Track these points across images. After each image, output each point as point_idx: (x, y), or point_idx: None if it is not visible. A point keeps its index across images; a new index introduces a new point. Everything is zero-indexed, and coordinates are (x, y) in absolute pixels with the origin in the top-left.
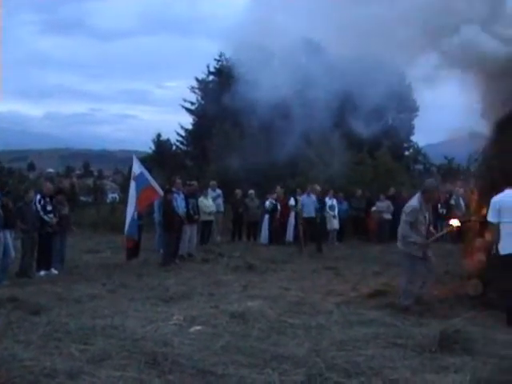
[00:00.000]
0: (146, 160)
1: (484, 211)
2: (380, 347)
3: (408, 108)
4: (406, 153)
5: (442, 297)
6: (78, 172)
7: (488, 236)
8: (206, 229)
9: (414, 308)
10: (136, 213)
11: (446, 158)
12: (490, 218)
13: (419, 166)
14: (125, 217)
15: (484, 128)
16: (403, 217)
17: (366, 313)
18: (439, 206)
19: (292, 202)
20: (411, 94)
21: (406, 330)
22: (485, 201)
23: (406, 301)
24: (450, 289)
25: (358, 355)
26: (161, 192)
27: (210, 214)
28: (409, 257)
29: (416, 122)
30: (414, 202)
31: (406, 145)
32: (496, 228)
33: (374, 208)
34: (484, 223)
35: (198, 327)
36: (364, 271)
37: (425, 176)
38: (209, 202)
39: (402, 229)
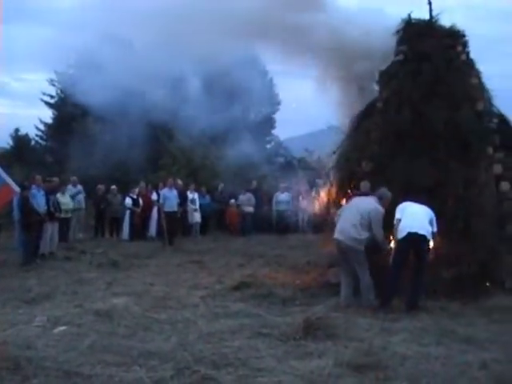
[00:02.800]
0: (3, 156)
1: (343, 202)
2: (246, 338)
3: (270, 102)
4: (268, 146)
5: (305, 286)
6: None
7: None
8: (64, 226)
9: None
10: None
11: (306, 150)
12: (397, 216)
13: (280, 159)
14: None
15: (342, 122)
16: (373, 221)
17: (231, 305)
18: (301, 197)
19: (155, 196)
20: (273, 89)
21: (270, 320)
22: (343, 193)
23: (372, 295)
24: (312, 277)
25: (224, 347)
26: (17, 189)
27: (67, 211)
28: (362, 253)
29: (277, 115)
30: (377, 205)
31: (267, 138)
32: (398, 223)
33: (232, 201)
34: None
35: (63, 328)
36: (228, 264)
37: (286, 169)
38: (66, 199)
39: (376, 233)
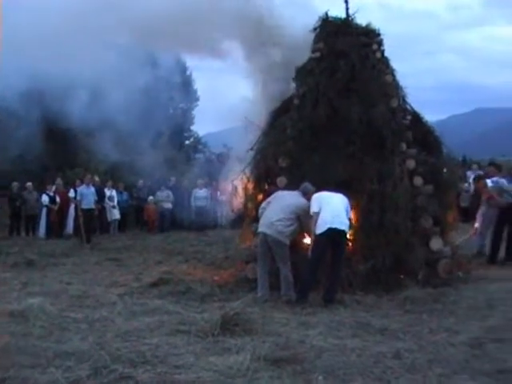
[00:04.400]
0: None
1: (260, 198)
2: (164, 335)
3: (189, 98)
4: (187, 142)
5: (223, 282)
6: None
7: None
8: None
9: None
10: None
11: (225, 146)
12: (314, 209)
13: (199, 155)
14: None
15: (260, 118)
16: (302, 215)
17: (149, 302)
18: (219, 193)
19: (72, 193)
20: (192, 84)
21: (188, 317)
22: (260, 188)
23: (292, 291)
24: (230, 273)
25: (142, 345)
26: None
27: None
28: (287, 247)
29: (196, 111)
30: (304, 200)
31: (186, 134)
32: (316, 216)
33: (150, 198)
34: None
35: None
36: (146, 261)
37: (205, 165)
38: None
39: (306, 227)
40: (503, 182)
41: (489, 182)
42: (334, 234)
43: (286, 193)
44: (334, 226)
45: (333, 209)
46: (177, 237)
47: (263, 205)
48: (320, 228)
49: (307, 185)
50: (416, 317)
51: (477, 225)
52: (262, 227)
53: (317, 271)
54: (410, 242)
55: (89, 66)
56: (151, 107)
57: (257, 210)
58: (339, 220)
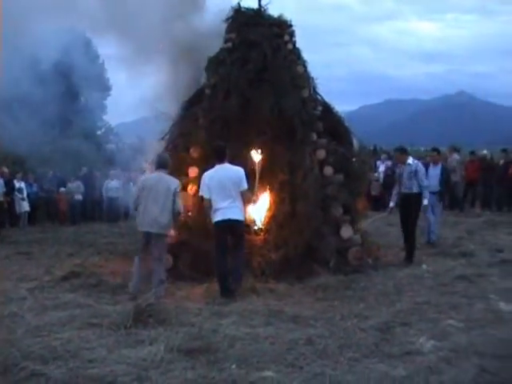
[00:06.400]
0: None
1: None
2: (76, 329)
3: (101, 87)
4: (98, 132)
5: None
6: None
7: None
8: None
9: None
10: None
11: (138, 137)
12: (203, 192)
13: (111, 145)
14: None
15: (171, 108)
16: (177, 195)
17: (60, 296)
18: (131, 184)
19: None
20: (104, 73)
21: (100, 310)
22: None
23: (162, 289)
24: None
25: (54, 340)
26: None
27: None
28: (165, 238)
29: (109, 101)
30: (173, 178)
31: (98, 124)
32: (209, 201)
33: (62, 189)
34: None
35: None
36: (57, 254)
37: (117, 155)
38: None
39: (178, 207)
40: (421, 167)
41: (410, 160)
42: (228, 225)
43: (154, 178)
44: (227, 217)
45: (224, 199)
46: (89, 228)
47: (136, 195)
48: (215, 217)
49: (162, 156)
50: (328, 304)
51: (392, 204)
52: (145, 226)
53: (223, 260)
54: (320, 231)
55: None
56: (59, 95)
57: None
58: (232, 211)
